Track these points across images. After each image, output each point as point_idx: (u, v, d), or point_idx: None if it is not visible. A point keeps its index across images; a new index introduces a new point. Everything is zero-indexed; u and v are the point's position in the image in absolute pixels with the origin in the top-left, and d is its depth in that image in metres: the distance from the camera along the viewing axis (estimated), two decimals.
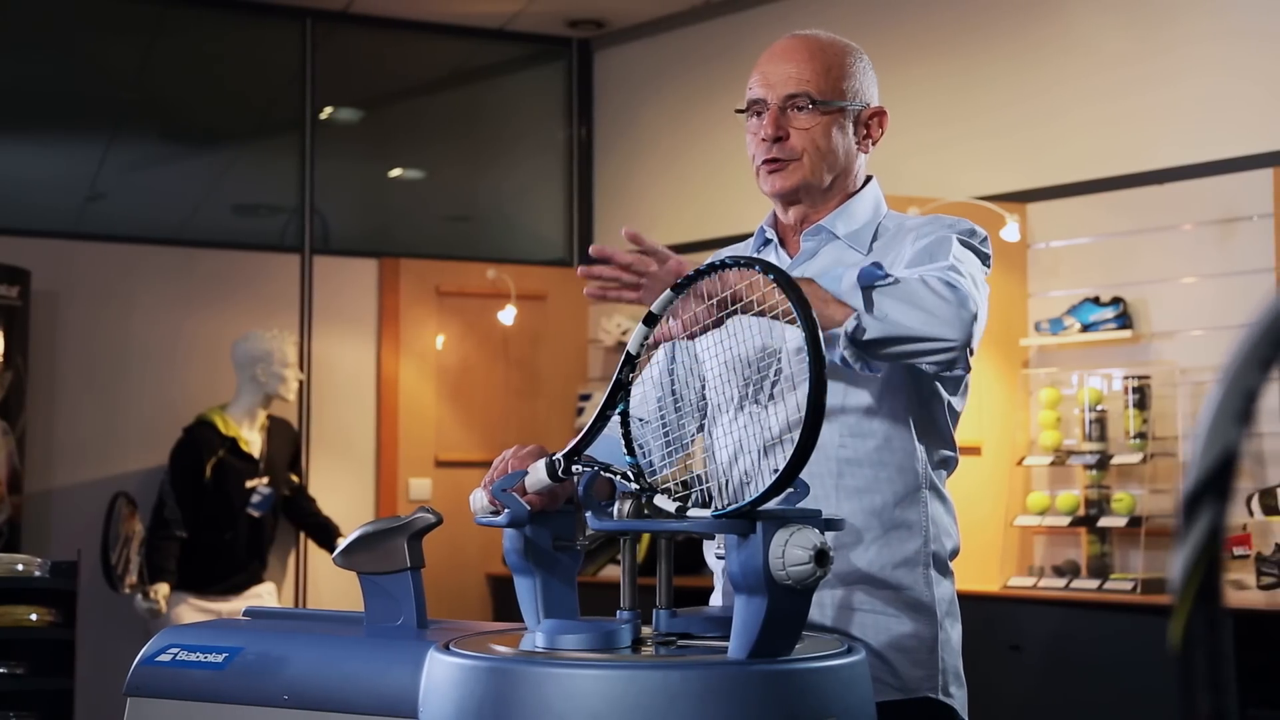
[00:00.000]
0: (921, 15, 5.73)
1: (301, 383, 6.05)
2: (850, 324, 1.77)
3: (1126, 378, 4.73)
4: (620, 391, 1.76)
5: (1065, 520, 4.77)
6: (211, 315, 6.05)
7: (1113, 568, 4.73)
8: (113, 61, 6.40)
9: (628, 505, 1.73)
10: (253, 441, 5.49)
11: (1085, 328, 4.88)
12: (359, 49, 6.71)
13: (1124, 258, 4.97)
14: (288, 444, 5.75)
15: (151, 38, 6.44)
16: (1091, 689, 4.38)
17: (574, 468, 1.80)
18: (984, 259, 1.99)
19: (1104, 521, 4.68)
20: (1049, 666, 4.53)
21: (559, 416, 6.51)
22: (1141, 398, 4.69)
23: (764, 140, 2.05)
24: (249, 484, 5.42)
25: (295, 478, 5.76)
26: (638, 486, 1.70)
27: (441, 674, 1.70)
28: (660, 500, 1.66)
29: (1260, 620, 4.08)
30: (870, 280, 1.78)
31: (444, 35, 6.68)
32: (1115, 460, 4.71)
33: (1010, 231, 4.95)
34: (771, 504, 1.68)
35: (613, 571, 5.75)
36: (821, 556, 1.53)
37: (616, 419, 1.94)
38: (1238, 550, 4.17)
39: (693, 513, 1.61)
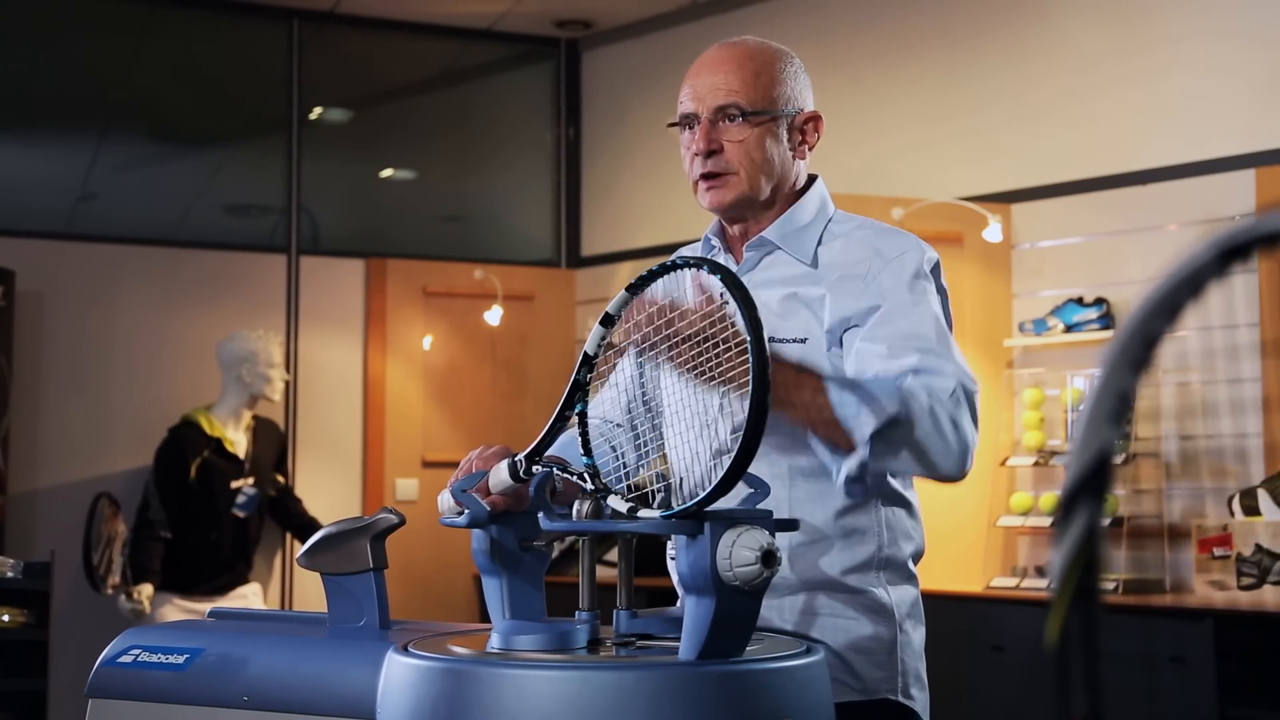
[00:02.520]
0: (904, 16, 5.73)
1: (288, 383, 6.05)
2: (853, 467, 1.76)
3: None
4: (578, 392, 1.76)
5: (1049, 521, 4.77)
6: (198, 316, 6.05)
7: None
8: (102, 61, 6.39)
9: (586, 506, 1.73)
10: (238, 442, 5.48)
11: (1069, 328, 4.88)
12: (346, 49, 6.70)
13: (1108, 258, 4.97)
14: (273, 444, 5.74)
15: (139, 38, 6.43)
16: None
17: (534, 468, 1.81)
18: (944, 294, 2.00)
19: None
20: (1031, 667, 4.53)
21: (546, 417, 6.43)
22: None
23: (696, 154, 2.03)
24: (234, 484, 5.42)
25: (281, 478, 5.76)
26: (593, 488, 1.70)
27: (398, 675, 1.70)
28: (613, 501, 1.66)
29: (1242, 621, 4.08)
30: (881, 420, 1.74)
31: (431, 35, 6.68)
32: None
33: (993, 232, 4.95)
34: (733, 505, 1.69)
35: (599, 572, 5.75)
36: (768, 557, 1.53)
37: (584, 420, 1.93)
38: (1218, 551, 4.17)
39: (643, 514, 1.61)
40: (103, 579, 5.03)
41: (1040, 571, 4.79)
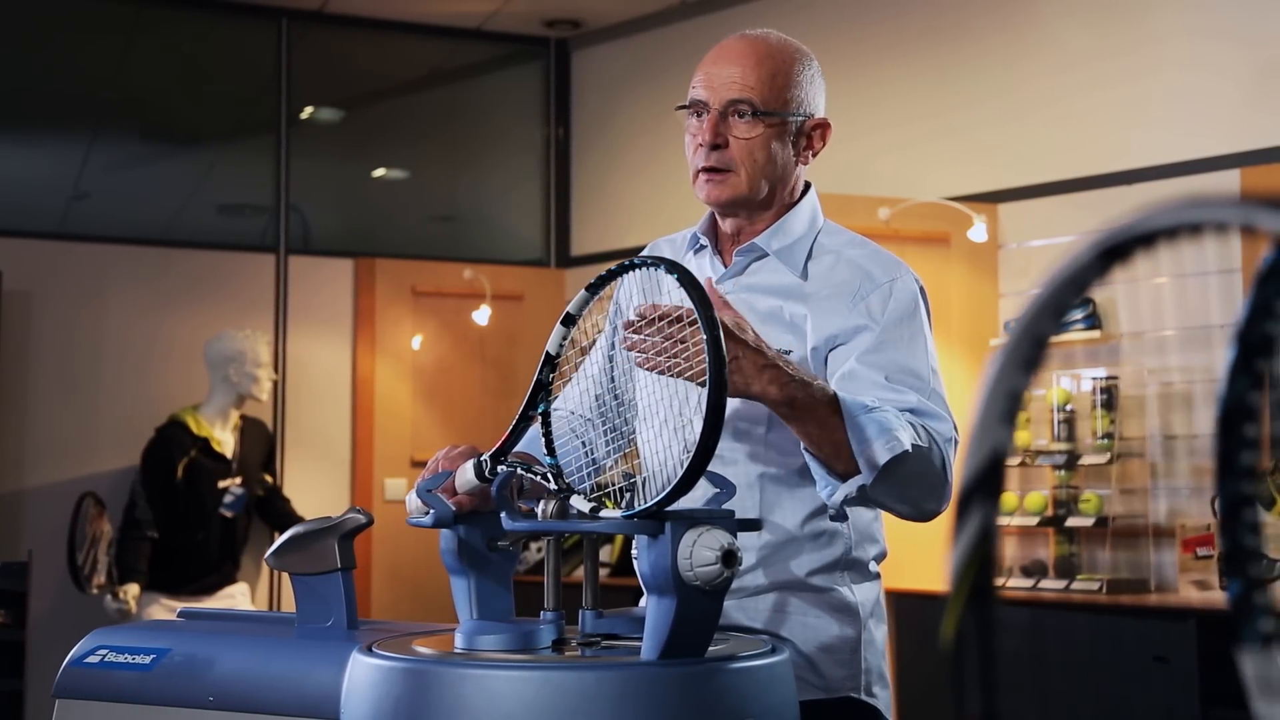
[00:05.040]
0: (891, 15, 5.73)
1: (276, 383, 6.04)
2: (853, 491, 1.79)
3: (1095, 379, 4.73)
4: (540, 392, 1.76)
5: (1033, 520, 4.77)
6: (188, 315, 6.05)
7: (1080, 568, 4.73)
8: (92, 61, 6.39)
9: (551, 506, 1.73)
10: (225, 442, 5.48)
11: None
12: (335, 49, 6.70)
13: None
14: (261, 444, 5.74)
15: (128, 37, 6.43)
16: (1058, 689, 4.38)
17: (500, 468, 1.80)
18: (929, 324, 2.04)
19: (1071, 521, 4.68)
20: (1015, 666, 4.53)
21: None
22: (1109, 398, 4.69)
23: (701, 145, 2.02)
24: (221, 484, 5.41)
25: (269, 478, 5.75)
26: (556, 487, 1.70)
27: (361, 675, 1.70)
28: (575, 501, 1.66)
29: (1225, 621, 4.08)
30: (892, 452, 1.76)
31: (420, 35, 6.68)
32: (1083, 461, 4.71)
33: (977, 232, 4.95)
34: (699, 505, 1.69)
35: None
36: (729, 557, 1.53)
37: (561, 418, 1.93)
38: (1201, 551, 4.17)
39: (604, 514, 1.61)
40: (87, 579, 5.03)
41: (1025, 571, 4.79)
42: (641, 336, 1.72)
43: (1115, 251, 0.57)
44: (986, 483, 0.59)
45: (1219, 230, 0.54)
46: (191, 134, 6.60)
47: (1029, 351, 0.59)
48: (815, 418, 1.78)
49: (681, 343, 1.67)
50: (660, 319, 1.69)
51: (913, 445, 1.79)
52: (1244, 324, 0.61)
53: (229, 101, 6.66)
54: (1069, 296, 0.60)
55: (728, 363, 1.61)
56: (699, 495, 1.80)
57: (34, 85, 6.25)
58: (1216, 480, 0.63)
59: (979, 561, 0.57)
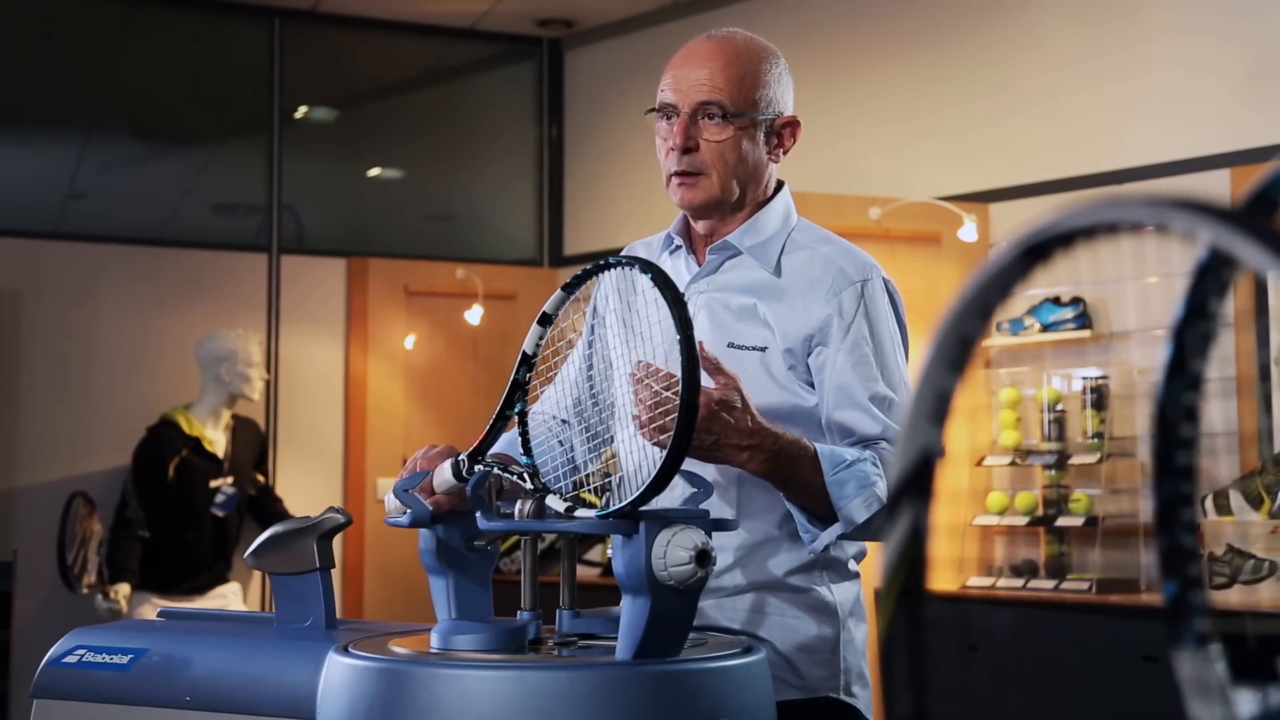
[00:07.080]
0: (882, 16, 5.73)
1: (269, 382, 6.04)
2: (832, 539, 1.89)
3: (1085, 378, 4.73)
4: (517, 392, 1.76)
5: (1024, 520, 4.77)
6: (181, 315, 6.04)
7: (1070, 567, 4.73)
8: (85, 61, 6.38)
9: (528, 506, 1.73)
10: (217, 441, 5.47)
11: (1045, 328, 4.88)
12: (329, 48, 6.70)
13: (1084, 258, 4.97)
14: (253, 443, 5.73)
15: (121, 37, 6.43)
16: (1048, 688, 4.38)
17: (477, 468, 1.80)
18: (903, 326, 2.05)
19: (1061, 521, 4.68)
20: (1006, 666, 4.53)
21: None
22: (1099, 398, 4.69)
23: (672, 149, 2.02)
24: (213, 484, 5.41)
25: (261, 477, 5.75)
26: (532, 487, 1.70)
27: (337, 675, 1.70)
28: (551, 500, 1.66)
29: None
30: (870, 510, 1.86)
31: (413, 34, 6.68)
32: (1073, 460, 4.71)
33: (968, 232, 4.95)
34: (676, 504, 1.69)
35: (580, 572, 5.73)
36: (703, 557, 1.53)
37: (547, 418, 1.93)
38: None
39: (579, 513, 1.61)
40: (77, 578, 5.02)
41: (1016, 571, 4.79)
42: (640, 387, 1.74)
43: (1035, 251, 0.57)
44: (916, 483, 0.59)
45: (1135, 230, 0.54)
46: (185, 134, 6.60)
47: (955, 352, 0.59)
48: (795, 481, 1.84)
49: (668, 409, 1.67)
50: (651, 377, 1.71)
51: (885, 498, 1.84)
52: (1179, 324, 0.61)
53: (223, 101, 6.66)
54: (993, 297, 0.60)
55: (711, 436, 1.71)
56: (676, 495, 1.80)
57: (28, 85, 6.24)
58: (1153, 480, 0.63)
59: (909, 562, 0.57)
